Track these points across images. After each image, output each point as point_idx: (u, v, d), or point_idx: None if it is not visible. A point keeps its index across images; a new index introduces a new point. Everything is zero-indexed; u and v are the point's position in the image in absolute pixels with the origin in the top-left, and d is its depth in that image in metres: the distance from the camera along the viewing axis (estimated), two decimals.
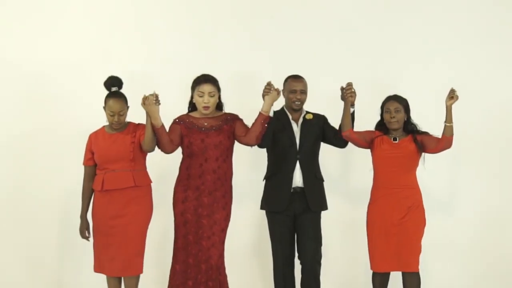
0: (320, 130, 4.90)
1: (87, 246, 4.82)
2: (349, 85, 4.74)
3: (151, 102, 4.44)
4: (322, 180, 4.95)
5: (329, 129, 4.91)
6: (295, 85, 4.86)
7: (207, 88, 4.60)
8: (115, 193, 4.54)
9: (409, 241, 4.62)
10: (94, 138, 4.65)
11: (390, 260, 4.63)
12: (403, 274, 4.70)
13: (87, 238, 4.74)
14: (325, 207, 4.93)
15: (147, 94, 4.45)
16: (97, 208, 4.63)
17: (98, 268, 4.67)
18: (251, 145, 4.70)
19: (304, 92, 4.88)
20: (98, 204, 4.63)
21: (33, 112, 5.64)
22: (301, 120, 4.90)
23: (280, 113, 4.89)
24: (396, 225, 4.61)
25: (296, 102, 4.86)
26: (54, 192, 5.63)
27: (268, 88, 4.59)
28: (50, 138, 5.62)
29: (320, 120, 4.93)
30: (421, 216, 4.68)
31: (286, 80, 4.92)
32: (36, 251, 5.64)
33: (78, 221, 4.76)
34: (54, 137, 5.62)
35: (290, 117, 4.90)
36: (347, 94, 4.72)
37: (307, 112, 4.94)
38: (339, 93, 4.79)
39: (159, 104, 4.47)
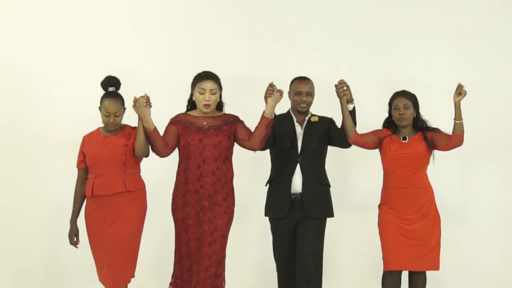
0: (325, 133, 4.74)
1: (76, 255, 4.73)
2: (341, 82, 4.57)
3: (141, 104, 4.30)
4: (328, 186, 4.77)
5: (334, 130, 4.74)
6: (301, 86, 4.73)
7: (208, 85, 4.44)
8: (106, 199, 4.40)
9: (426, 242, 4.50)
10: (87, 140, 4.53)
11: (404, 259, 4.48)
12: (410, 273, 4.58)
13: (75, 244, 4.60)
14: (329, 214, 4.75)
15: (137, 96, 4.33)
16: (89, 215, 4.48)
17: (100, 278, 4.51)
18: (255, 150, 4.56)
19: (310, 94, 4.74)
20: (89, 210, 4.48)
21: (17, 113, 5.60)
22: (305, 122, 4.76)
23: (285, 116, 4.77)
24: (410, 226, 4.49)
25: (302, 105, 4.72)
26: (40, 196, 5.56)
27: (271, 90, 4.42)
28: (36, 140, 5.57)
29: (325, 122, 4.78)
30: (436, 214, 4.55)
31: (292, 82, 4.79)
32: (22, 261, 5.57)
33: (65, 229, 4.64)
34: (40, 139, 5.57)
35: (295, 119, 4.77)
36: (340, 92, 4.55)
37: (313, 115, 4.79)
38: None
39: (151, 106, 4.33)
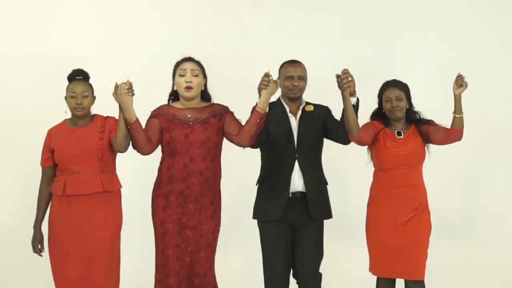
0: (322, 124, 4.32)
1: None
2: (345, 72, 4.09)
3: (122, 91, 3.90)
4: (326, 183, 4.38)
5: (331, 122, 4.31)
6: (292, 70, 4.30)
7: (189, 65, 4.09)
8: (78, 200, 4.02)
9: (416, 247, 4.26)
10: (54, 134, 4.13)
11: (394, 266, 4.27)
12: (406, 282, 4.34)
13: (39, 252, 4.22)
14: (329, 215, 4.38)
15: (119, 83, 3.93)
16: (55, 217, 4.08)
17: None
18: (244, 147, 4.15)
19: (302, 78, 4.30)
20: (56, 212, 4.08)
21: None
22: (300, 113, 4.32)
23: (276, 105, 4.31)
24: (401, 228, 4.25)
25: (293, 90, 4.28)
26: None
27: (267, 81, 3.95)
28: None
29: (322, 112, 4.35)
30: (428, 219, 4.33)
31: (281, 66, 4.36)
32: None
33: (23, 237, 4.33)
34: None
35: (288, 109, 4.32)
36: (344, 83, 4.07)
37: (307, 103, 4.36)
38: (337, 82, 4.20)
39: (133, 94, 3.94)
